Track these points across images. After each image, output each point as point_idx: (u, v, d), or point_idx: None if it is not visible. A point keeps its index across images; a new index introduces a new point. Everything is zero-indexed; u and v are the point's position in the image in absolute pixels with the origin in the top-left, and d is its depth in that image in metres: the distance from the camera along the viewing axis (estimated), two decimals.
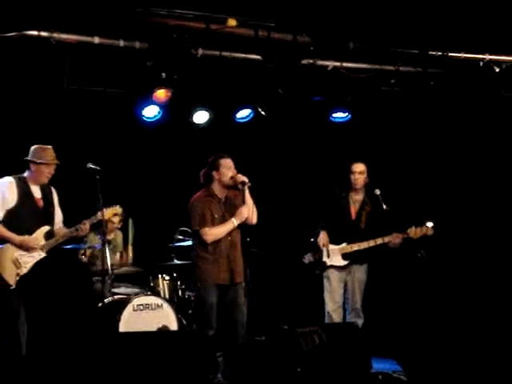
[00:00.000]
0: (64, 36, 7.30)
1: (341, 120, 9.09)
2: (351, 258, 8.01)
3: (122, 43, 7.51)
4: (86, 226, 7.19)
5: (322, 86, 8.70)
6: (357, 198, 8.12)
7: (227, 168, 7.34)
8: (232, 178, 7.31)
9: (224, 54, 7.92)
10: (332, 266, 8.03)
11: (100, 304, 7.57)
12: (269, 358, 6.87)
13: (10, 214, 7.05)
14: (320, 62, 8.21)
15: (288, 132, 9.52)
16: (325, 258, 8.02)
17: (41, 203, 7.22)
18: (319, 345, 6.82)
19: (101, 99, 8.31)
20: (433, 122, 9.16)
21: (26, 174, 7.21)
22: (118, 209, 7.56)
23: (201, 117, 8.68)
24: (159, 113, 8.31)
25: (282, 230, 9.63)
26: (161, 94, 8.06)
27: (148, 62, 7.73)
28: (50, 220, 7.24)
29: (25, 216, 7.09)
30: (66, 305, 8.23)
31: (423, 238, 7.86)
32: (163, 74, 7.88)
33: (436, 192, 9.37)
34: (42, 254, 7.08)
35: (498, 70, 8.28)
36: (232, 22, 7.43)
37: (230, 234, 7.33)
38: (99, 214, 7.24)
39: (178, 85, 8.04)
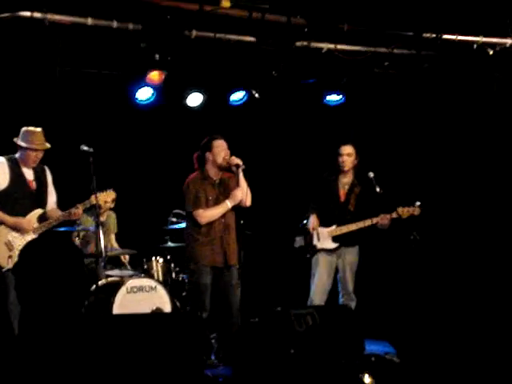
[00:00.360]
0: (57, 17, 7.28)
1: (335, 102, 9.08)
2: (341, 240, 8.00)
3: (115, 24, 7.49)
4: (79, 210, 7.17)
5: (315, 68, 8.68)
6: (345, 181, 8.11)
7: (220, 149, 7.34)
8: (225, 158, 7.31)
9: (218, 35, 7.90)
10: (322, 250, 8.03)
11: (93, 286, 7.56)
12: (262, 339, 6.88)
13: (1, 196, 7.02)
14: (314, 44, 8.20)
15: (282, 114, 9.50)
16: (315, 242, 8.02)
17: (33, 185, 7.18)
18: (312, 326, 6.82)
19: (94, 81, 8.28)
20: (426, 105, 9.16)
21: (17, 155, 7.18)
22: (111, 193, 7.54)
23: (195, 99, 8.66)
24: (153, 95, 8.28)
25: (276, 213, 9.64)
26: (154, 75, 8.04)
27: (141, 43, 7.70)
28: (42, 202, 7.22)
29: (17, 198, 7.05)
30: (59, 287, 8.23)
31: (411, 217, 7.87)
32: (157, 56, 7.86)
33: (429, 175, 9.38)
34: (35, 237, 7.06)
35: (491, 52, 8.28)
36: (226, 3, 7.41)
37: (223, 216, 7.34)
38: (92, 197, 7.21)
39: (171, 67, 8.03)
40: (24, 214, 7.06)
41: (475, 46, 8.30)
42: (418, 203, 7.90)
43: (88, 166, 7.10)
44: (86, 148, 7.16)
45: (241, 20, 7.63)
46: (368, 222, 7.91)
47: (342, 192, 8.11)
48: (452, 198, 9.25)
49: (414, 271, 8.91)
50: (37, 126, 7.22)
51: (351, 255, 8.09)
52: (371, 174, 7.88)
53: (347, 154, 8.01)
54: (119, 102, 8.56)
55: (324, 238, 8.02)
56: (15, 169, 7.10)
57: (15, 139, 7.13)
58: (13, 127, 7.41)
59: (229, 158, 7.32)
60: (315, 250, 8.03)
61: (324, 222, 8.05)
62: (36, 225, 7.08)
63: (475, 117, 9.08)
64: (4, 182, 7.04)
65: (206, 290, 7.26)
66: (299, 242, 8.12)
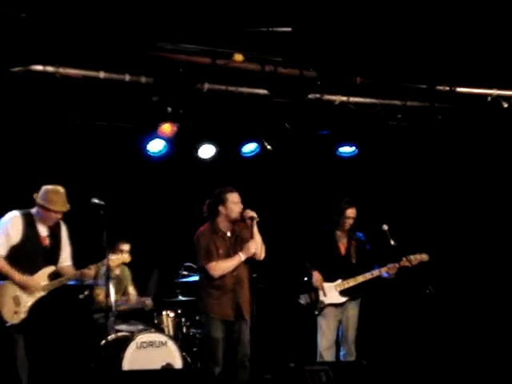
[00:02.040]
0: (69, 71, 7.31)
1: (348, 154, 9.05)
2: (349, 293, 8.01)
3: (127, 78, 7.52)
4: (91, 271, 7.11)
5: (328, 120, 8.69)
6: (342, 235, 8.20)
7: (235, 203, 7.26)
8: (239, 213, 7.23)
9: (230, 88, 7.92)
10: (329, 305, 8.00)
11: (103, 341, 7.47)
12: None
13: (13, 250, 6.94)
14: (327, 97, 8.21)
15: (295, 167, 9.48)
16: (322, 297, 8.00)
17: (46, 242, 7.10)
18: (326, 383, 6.74)
19: (106, 134, 8.29)
20: (440, 158, 9.15)
21: (33, 211, 7.09)
22: (126, 258, 7.50)
23: (207, 151, 8.65)
24: (165, 147, 8.28)
25: (289, 267, 9.55)
26: (166, 128, 8.05)
27: (154, 96, 7.73)
28: (55, 259, 7.12)
29: (28, 254, 6.96)
30: (69, 342, 8.15)
31: (424, 269, 7.86)
32: (169, 109, 7.87)
33: (443, 227, 9.34)
34: (44, 294, 6.98)
35: (506, 105, 8.26)
36: (238, 57, 7.41)
37: (235, 269, 7.24)
38: (106, 261, 7.17)
39: (183, 119, 8.02)
40: (34, 270, 6.96)
41: (489, 98, 8.29)
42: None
43: (99, 219, 7.04)
44: (97, 201, 7.11)
45: (253, 73, 7.63)
46: (376, 273, 7.96)
47: (342, 246, 8.18)
48: (466, 252, 9.21)
49: (429, 325, 8.85)
50: (47, 179, 7.19)
51: (354, 308, 8.12)
52: (385, 227, 7.90)
53: (354, 218, 8.10)
54: (131, 155, 8.56)
55: (331, 293, 8.01)
56: (30, 224, 7.02)
57: (35, 195, 7.06)
58: (24, 180, 7.40)
59: (243, 211, 7.24)
60: (323, 306, 7.99)
61: (327, 277, 8.04)
62: (45, 282, 7.00)
63: (489, 170, 9.05)
64: (16, 237, 6.96)
65: (217, 344, 7.14)
66: (305, 298, 8.08)
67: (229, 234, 7.33)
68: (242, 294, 7.23)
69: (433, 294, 7.71)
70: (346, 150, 9.02)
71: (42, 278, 6.98)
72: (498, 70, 8.04)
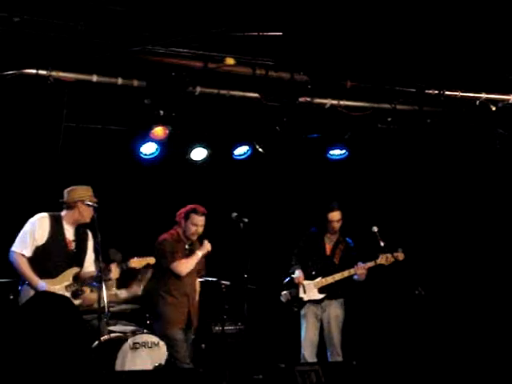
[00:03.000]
0: (62, 74, 7.33)
1: (338, 157, 9.11)
2: (327, 291, 8.12)
3: (120, 81, 7.55)
4: (112, 272, 7.23)
5: (319, 123, 8.74)
6: (332, 237, 8.38)
7: (193, 224, 7.68)
8: (194, 234, 7.72)
9: (222, 91, 7.96)
10: (309, 301, 8.14)
11: (96, 342, 7.50)
12: None
13: (37, 251, 6.98)
14: (317, 100, 8.26)
15: (286, 169, 9.53)
16: (301, 294, 8.15)
17: (72, 246, 7.16)
18: (316, 383, 6.79)
19: (99, 137, 8.33)
20: (429, 160, 9.20)
21: (62, 213, 7.17)
22: (151, 259, 7.57)
23: (199, 154, 8.69)
24: (157, 150, 8.32)
25: (280, 268, 9.62)
26: (159, 131, 8.09)
27: (146, 99, 7.76)
28: (80, 264, 7.19)
29: (52, 256, 7.01)
30: (61, 344, 8.16)
31: (417, 275, 7.91)
32: (161, 112, 7.91)
33: (433, 228, 9.39)
34: (67, 294, 7.01)
35: (494, 108, 8.32)
36: (230, 61, 7.47)
37: (188, 281, 7.68)
38: (131, 261, 7.30)
39: (175, 122, 8.07)
40: (56, 273, 7.01)
41: (478, 102, 8.36)
42: (401, 249, 8.03)
43: (92, 221, 7.09)
44: (90, 203, 7.16)
45: (245, 76, 7.68)
46: (346, 274, 8.10)
47: (328, 246, 8.36)
48: (457, 252, 9.25)
49: (419, 326, 8.89)
50: (41, 182, 7.25)
51: (336, 308, 8.21)
52: (375, 229, 7.94)
53: (337, 221, 8.25)
54: (123, 157, 8.59)
55: (310, 290, 8.15)
56: (56, 226, 7.08)
57: (69, 199, 7.13)
58: (18, 183, 7.42)
59: (197, 235, 7.73)
60: (302, 303, 8.14)
61: (309, 275, 8.19)
62: (69, 282, 7.05)
63: (478, 172, 9.11)
64: (42, 238, 7.00)
65: (180, 343, 7.60)
66: (285, 296, 8.25)
67: (187, 246, 7.77)
68: (193, 306, 7.72)
69: (422, 294, 7.75)
70: (337, 152, 9.07)
71: (65, 279, 7.03)
72: (487, 74, 8.11)
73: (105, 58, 7.26)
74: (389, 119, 8.56)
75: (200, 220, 7.68)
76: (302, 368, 6.99)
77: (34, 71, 7.22)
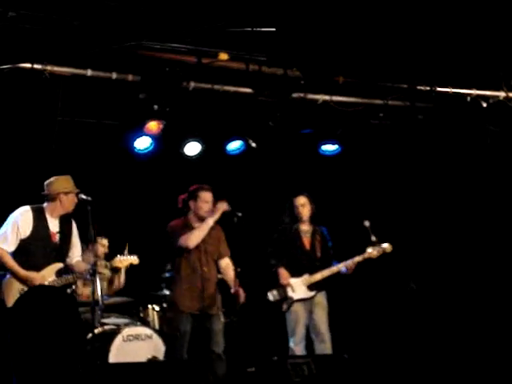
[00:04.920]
0: (57, 68, 7.36)
1: (330, 153, 9.16)
2: (316, 287, 8.04)
3: (114, 76, 7.58)
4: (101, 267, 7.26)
5: (311, 119, 8.78)
6: (306, 229, 8.20)
7: (204, 202, 7.40)
8: (206, 212, 7.36)
9: (215, 87, 8.00)
10: (298, 300, 8.01)
11: (90, 335, 7.55)
12: None
13: (22, 244, 6.96)
14: (310, 96, 8.30)
15: (279, 164, 9.57)
16: (290, 293, 8.00)
17: (56, 238, 7.13)
18: (309, 376, 6.82)
19: (93, 131, 8.36)
20: (421, 156, 9.24)
21: (45, 206, 7.15)
22: (135, 260, 7.58)
23: (192, 148, 8.72)
24: (151, 144, 8.34)
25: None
26: (153, 125, 8.11)
27: (140, 94, 7.79)
28: (63, 256, 7.16)
29: (37, 249, 6.99)
30: (55, 336, 8.19)
31: (408, 268, 7.92)
32: (155, 107, 7.94)
33: (425, 222, 9.44)
34: None
35: (485, 105, 8.37)
36: (223, 56, 7.50)
37: (203, 266, 7.36)
38: (116, 260, 7.34)
39: (169, 117, 8.10)
40: (42, 266, 6.98)
41: (469, 98, 8.40)
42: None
43: (86, 215, 7.12)
44: (84, 197, 7.17)
45: (238, 72, 7.72)
46: (335, 270, 8.00)
47: (306, 240, 8.18)
48: (448, 247, 9.30)
49: (412, 320, 8.94)
50: (35, 176, 7.27)
51: (323, 299, 8.10)
52: (367, 223, 7.94)
53: (301, 205, 8.14)
54: (118, 152, 8.62)
55: (299, 289, 8.02)
56: (40, 219, 7.05)
57: (49, 191, 7.12)
58: (12, 176, 7.44)
59: (210, 210, 7.36)
60: (292, 302, 8.00)
61: (293, 273, 8.06)
62: (52, 278, 7.05)
63: (469, 168, 9.16)
64: (26, 231, 6.97)
65: (182, 337, 7.31)
66: (273, 295, 8.09)
67: None
68: (208, 290, 7.36)
69: (414, 289, 7.80)
70: (329, 148, 9.11)
71: (49, 274, 7.03)
72: (478, 71, 8.16)
73: (99, 52, 7.29)
74: (381, 115, 8.61)
75: (209, 196, 7.41)
76: (295, 361, 7.00)
77: (29, 65, 7.25)
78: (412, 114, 8.57)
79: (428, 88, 8.27)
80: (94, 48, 7.23)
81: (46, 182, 7.17)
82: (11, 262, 6.89)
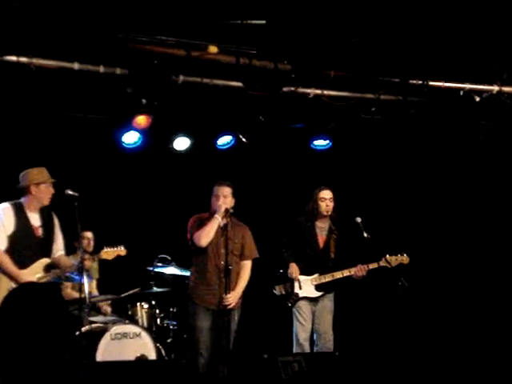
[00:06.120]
0: (43, 62, 7.26)
1: (321, 147, 9.09)
2: (324, 288, 7.96)
3: (102, 69, 7.49)
4: (87, 262, 7.19)
5: (302, 113, 8.72)
6: (323, 226, 8.08)
7: (215, 196, 7.37)
8: (219, 206, 7.28)
9: (205, 80, 7.91)
10: (303, 298, 7.95)
11: (77, 333, 7.47)
12: None
13: (7, 241, 6.92)
14: (301, 90, 8.22)
15: (269, 159, 9.52)
16: (297, 290, 7.94)
17: (39, 232, 7.09)
18: (299, 374, 6.78)
19: (81, 125, 8.28)
20: (413, 150, 9.22)
21: (22, 200, 7.09)
22: (122, 251, 7.49)
23: (181, 143, 8.67)
24: (139, 139, 8.27)
25: (262, 257, 9.61)
26: (141, 120, 8.04)
27: (128, 88, 7.71)
28: (48, 250, 7.12)
29: (21, 245, 6.96)
30: (42, 334, 8.12)
31: (400, 266, 7.86)
32: (143, 101, 7.87)
33: (415, 220, 9.42)
34: None
35: (478, 99, 8.32)
36: (213, 49, 7.42)
37: (221, 259, 7.25)
38: (102, 252, 7.26)
39: (158, 111, 8.03)
40: (28, 262, 6.95)
41: (462, 92, 8.34)
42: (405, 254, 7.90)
43: (73, 211, 7.03)
44: (71, 192, 7.09)
45: (228, 65, 7.64)
46: (346, 273, 7.89)
47: (321, 238, 8.07)
48: (438, 245, 9.29)
49: (402, 317, 8.91)
50: (22, 170, 7.19)
51: (329, 301, 8.05)
52: (358, 219, 7.85)
53: (330, 199, 7.98)
54: (105, 146, 8.56)
55: (306, 287, 7.95)
56: (21, 215, 7.01)
57: (22, 184, 7.05)
58: None
59: (224, 207, 7.27)
60: (297, 299, 7.94)
61: (304, 270, 7.97)
62: (40, 274, 6.98)
63: (461, 163, 9.14)
64: (10, 228, 6.93)
65: (200, 333, 7.24)
66: (279, 290, 8.00)
67: (222, 224, 7.33)
68: (229, 285, 7.22)
69: (405, 286, 7.74)
70: (320, 143, 9.04)
71: (36, 271, 6.96)
72: (471, 65, 8.11)
73: (87, 45, 7.20)
74: (372, 109, 8.55)
75: (221, 189, 7.33)
76: (285, 359, 6.96)
77: (14, 58, 7.14)
78: (404, 108, 8.51)
79: (420, 82, 8.20)
80: (82, 41, 7.14)
81: (20, 175, 7.10)
82: (6, 264, 6.85)
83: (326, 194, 7.98)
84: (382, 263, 7.83)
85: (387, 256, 7.82)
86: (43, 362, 6.45)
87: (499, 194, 9.11)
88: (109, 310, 8.41)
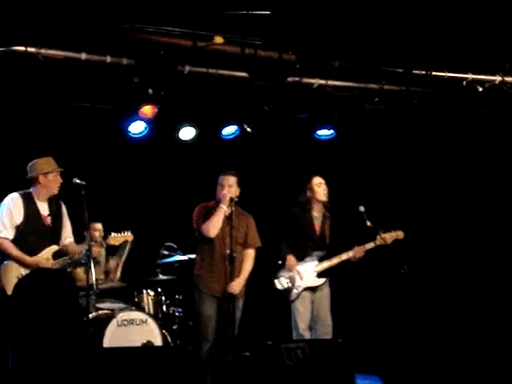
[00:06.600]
0: (51, 52, 7.30)
1: (326, 137, 9.13)
2: (323, 275, 7.99)
3: (108, 59, 7.53)
4: (95, 248, 7.22)
5: (307, 103, 8.76)
6: (318, 215, 8.12)
7: (220, 185, 7.41)
8: (223, 194, 7.33)
9: (210, 70, 7.95)
10: (306, 288, 7.96)
11: (84, 319, 7.55)
12: (253, 373, 6.89)
13: (16, 230, 7.00)
14: (305, 80, 8.26)
15: (273, 149, 9.56)
16: (298, 282, 7.94)
17: (48, 221, 7.17)
18: (303, 360, 6.83)
19: (88, 115, 8.33)
20: (416, 140, 9.24)
21: (31, 190, 7.16)
22: (129, 236, 7.53)
23: (187, 133, 8.71)
24: (146, 128, 8.32)
25: (267, 247, 9.67)
26: (147, 110, 8.08)
27: (135, 78, 7.75)
28: (57, 238, 7.20)
29: (31, 234, 7.03)
30: (51, 320, 8.20)
31: (399, 248, 7.89)
32: (150, 90, 7.90)
33: (420, 209, 9.45)
34: None
35: (480, 89, 8.35)
36: (219, 40, 7.47)
37: (227, 247, 7.30)
38: (110, 238, 7.30)
39: (164, 101, 8.07)
40: (38, 250, 7.02)
41: (465, 82, 8.36)
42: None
43: (80, 199, 7.10)
44: (78, 181, 7.16)
45: (233, 56, 7.69)
46: (345, 256, 7.92)
47: (318, 227, 8.11)
48: (442, 232, 9.31)
49: (404, 304, 8.96)
50: (30, 160, 7.27)
51: (326, 287, 8.07)
52: (362, 208, 7.91)
53: (324, 184, 8.06)
54: (112, 136, 8.61)
55: (307, 276, 7.96)
56: (30, 204, 7.08)
57: (30, 175, 7.12)
58: (5, 161, 7.42)
59: (228, 197, 7.32)
60: (301, 291, 7.94)
61: (302, 258, 8.01)
62: (51, 262, 7.06)
63: (464, 153, 9.17)
64: (19, 217, 7.00)
65: (207, 319, 7.29)
66: (281, 284, 8.00)
67: (227, 214, 7.38)
68: (232, 273, 7.29)
69: (408, 273, 7.80)
70: (324, 132, 9.08)
71: (47, 258, 7.04)
72: (474, 55, 8.13)
73: (94, 35, 7.25)
74: (376, 99, 8.58)
75: (226, 179, 7.38)
76: (289, 345, 7.01)
77: (22, 48, 7.18)
78: (407, 98, 8.53)
79: (424, 72, 8.22)
80: (89, 31, 7.19)
81: (28, 166, 7.18)
82: (16, 252, 6.92)
83: (320, 179, 8.06)
84: (378, 242, 7.85)
85: (381, 233, 7.84)
86: (54, 347, 6.56)
87: (502, 184, 9.13)
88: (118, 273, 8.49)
